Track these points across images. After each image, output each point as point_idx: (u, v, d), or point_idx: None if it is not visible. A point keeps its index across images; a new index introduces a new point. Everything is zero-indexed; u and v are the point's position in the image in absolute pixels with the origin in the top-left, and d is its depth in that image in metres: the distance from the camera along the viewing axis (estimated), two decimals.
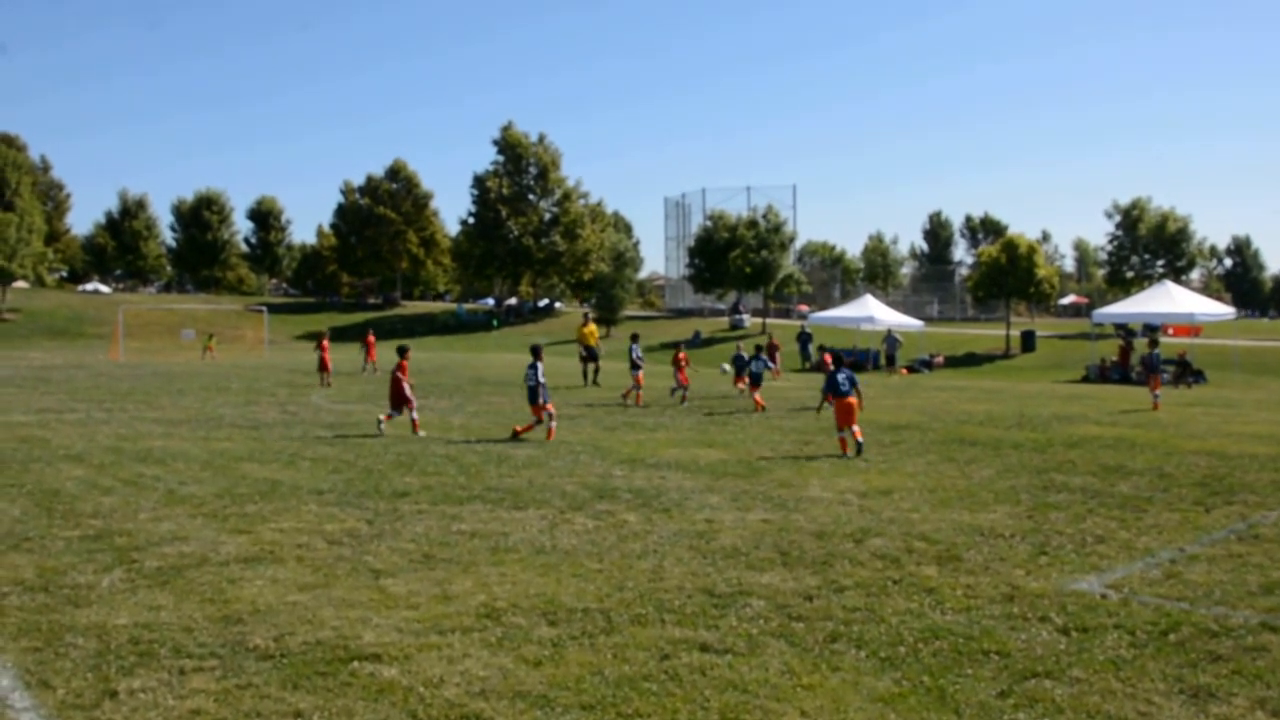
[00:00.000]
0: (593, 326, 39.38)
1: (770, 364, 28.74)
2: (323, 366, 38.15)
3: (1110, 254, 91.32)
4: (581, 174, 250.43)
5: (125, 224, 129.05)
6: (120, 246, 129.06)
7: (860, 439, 18.49)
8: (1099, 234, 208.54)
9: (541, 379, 20.82)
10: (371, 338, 48.13)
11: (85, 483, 15.02)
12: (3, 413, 26.08)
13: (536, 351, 21.51)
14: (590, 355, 37.52)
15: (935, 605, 8.56)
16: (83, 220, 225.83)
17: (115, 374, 45.03)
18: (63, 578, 9.49)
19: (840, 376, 19.38)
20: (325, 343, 40.32)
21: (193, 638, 7.73)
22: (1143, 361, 29.35)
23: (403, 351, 23.37)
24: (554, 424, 20.84)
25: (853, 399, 19.04)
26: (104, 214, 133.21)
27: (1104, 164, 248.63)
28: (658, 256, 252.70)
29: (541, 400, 20.71)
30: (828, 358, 22.72)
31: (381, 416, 22.08)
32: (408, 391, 22.02)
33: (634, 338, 32.96)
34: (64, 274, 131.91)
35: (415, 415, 22.04)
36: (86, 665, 7.16)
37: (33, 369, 49.41)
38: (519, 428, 20.87)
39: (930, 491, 14.17)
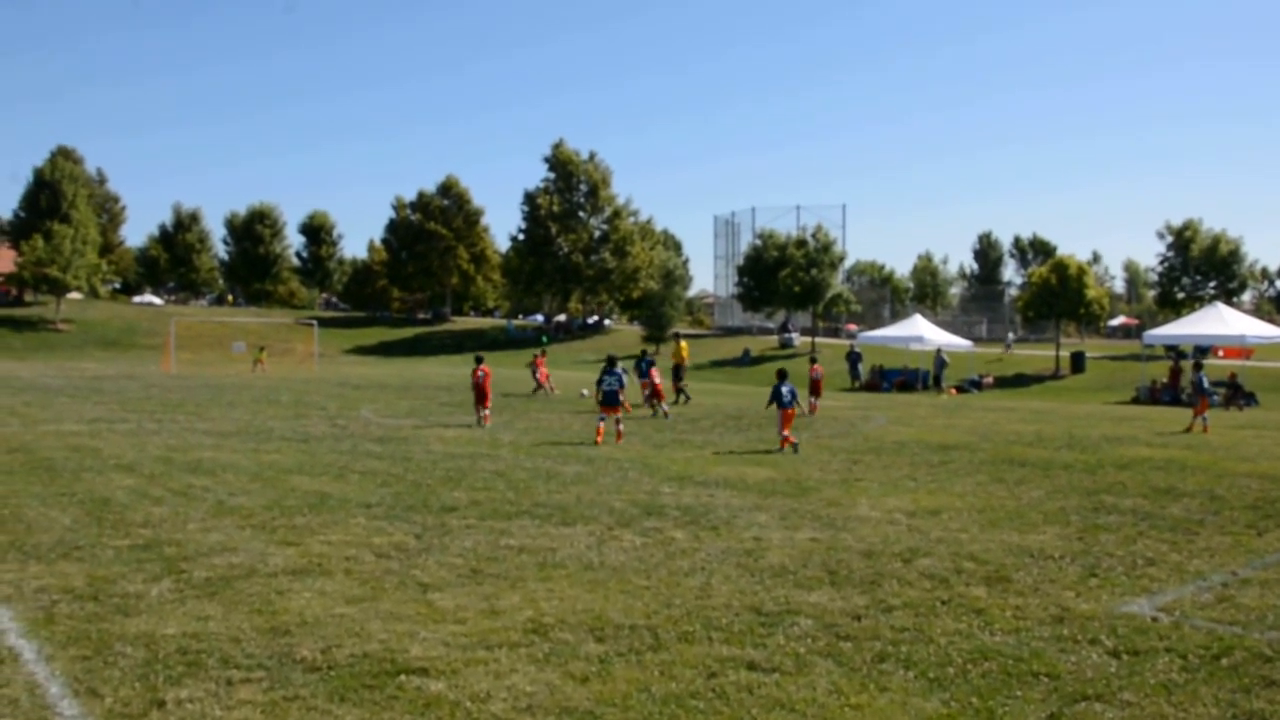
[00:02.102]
0: (684, 344, 39.23)
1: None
2: (539, 385, 40.49)
3: (1161, 275, 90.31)
4: (631, 191, 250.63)
5: (179, 237, 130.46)
6: (173, 259, 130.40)
7: (788, 446, 21.39)
8: (1149, 255, 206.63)
9: (615, 385, 23.68)
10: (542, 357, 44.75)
11: (135, 492, 15.15)
12: (55, 422, 26.36)
13: (612, 360, 24.82)
14: (676, 374, 37.35)
15: (984, 626, 8.48)
16: (137, 232, 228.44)
17: (166, 385, 45.40)
18: (112, 587, 9.55)
19: (784, 390, 22.40)
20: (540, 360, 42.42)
21: (240, 648, 7.75)
22: (1192, 384, 29.16)
23: (479, 359, 28.49)
24: (620, 427, 23.40)
25: (792, 410, 22.30)
26: (158, 226, 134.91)
27: (1155, 185, 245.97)
28: (707, 274, 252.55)
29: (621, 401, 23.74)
30: (779, 375, 24.29)
31: (481, 418, 26.92)
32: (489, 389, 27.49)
33: (644, 354, 35.41)
34: (117, 285, 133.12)
35: (488, 411, 27.23)
36: (134, 674, 7.19)
37: (85, 379, 49.90)
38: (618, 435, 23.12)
39: (979, 512, 14.04)
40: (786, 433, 21.90)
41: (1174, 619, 8.73)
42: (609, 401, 23.57)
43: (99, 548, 11.23)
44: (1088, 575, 10.28)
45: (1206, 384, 29.47)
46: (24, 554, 10.93)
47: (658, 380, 31.82)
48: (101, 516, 13.15)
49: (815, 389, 33.49)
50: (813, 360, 35.92)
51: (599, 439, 22.67)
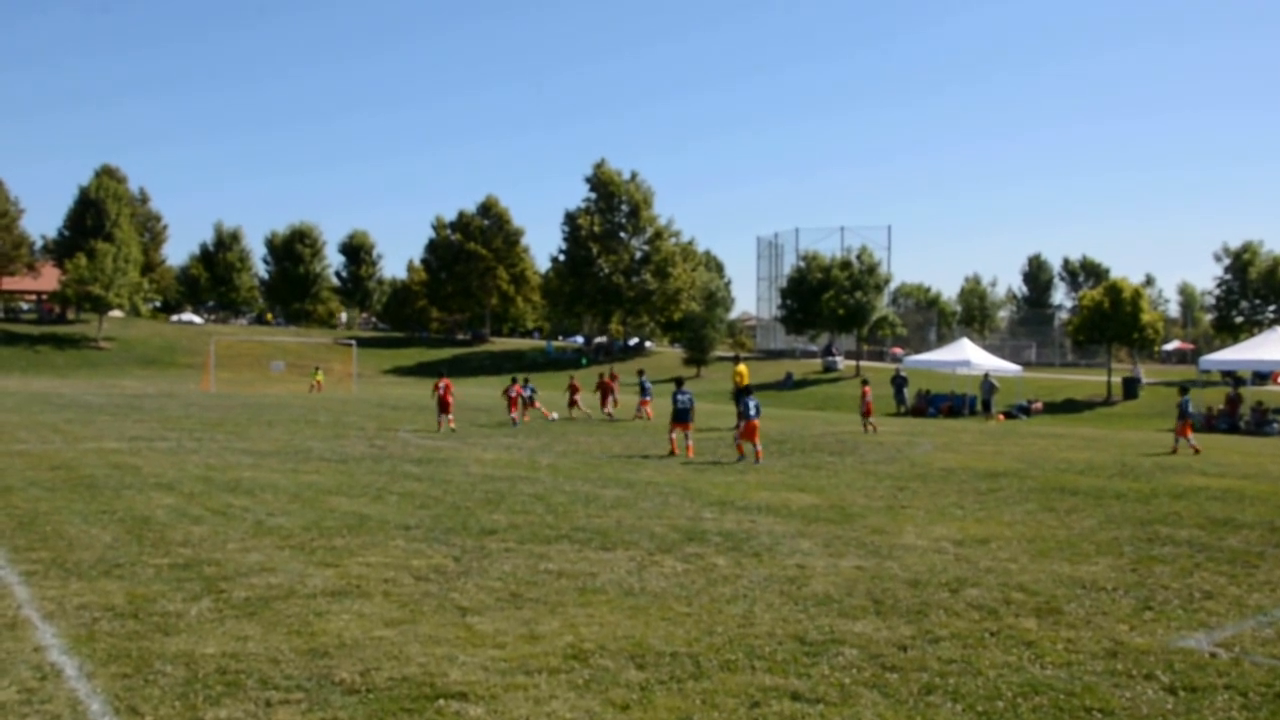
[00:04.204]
0: (743, 367, 39.13)
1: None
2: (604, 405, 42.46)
3: (1218, 299, 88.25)
4: (673, 211, 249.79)
5: (219, 255, 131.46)
6: (213, 278, 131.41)
7: (760, 458, 23.75)
8: (1205, 278, 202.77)
9: (688, 403, 25.93)
10: (615, 378, 46.33)
11: (175, 511, 15.23)
12: (96, 439, 26.54)
13: (680, 381, 27.86)
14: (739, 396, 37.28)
15: (1035, 659, 8.30)
16: (178, 251, 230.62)
17: (206, 404, 45.77)
18: (152, 605, 9.57)
19: (751, 403, 24.23)
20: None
21: (279, 669, 7.74)
22: (1178, 407, 29.92)
23: (441, 373, 34.38)
24: (690, 443, 25.73)
25: (756, 422, 24.18)
26: (199, 245, 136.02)
27: (1211, 206, 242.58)
28: (749, 296, 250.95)
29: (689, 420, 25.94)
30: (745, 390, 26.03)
31: (448, 423, 32.97)
32: (450, 401, 33.51)
33: (640, 373, 42.74)
34: (158, 304, 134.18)
35: (450, 417, 33.36)
36: (174, 693, 7.18)
37: (126, 397, 50.37)
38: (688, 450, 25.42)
39: (1029, 541, 13.81)
40: (750, 443, 24.09)
41: (1233, 655, 8.52)
42: (681, 418, 25.71)
43: (139, 566, 11.27)
44: (1142, 608, 10.06)
45: (1190, 408, 30.30)
46: (66, 571, 11.00)
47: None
48: (142, 535, 13.22)
49: (869, 409, 37.12)
50: (864, 382, 39.28)
51: (674, 451, 25.27)
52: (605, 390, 42.74)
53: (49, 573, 10.92)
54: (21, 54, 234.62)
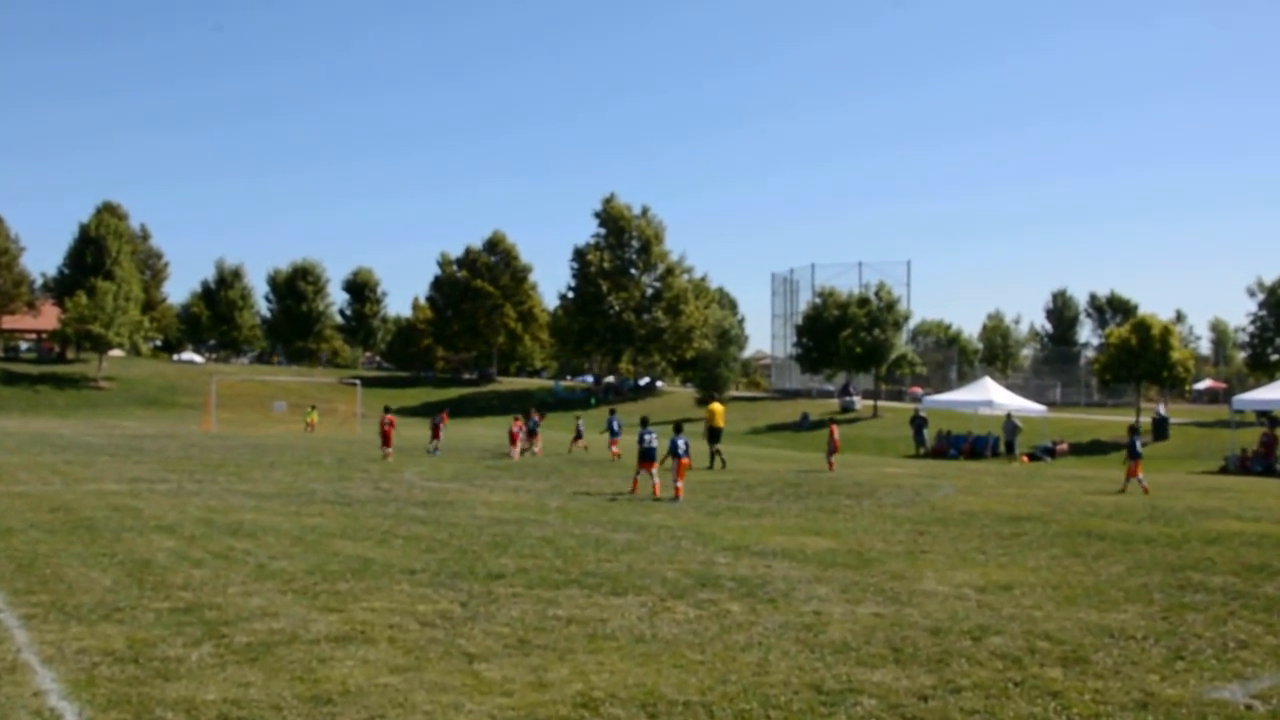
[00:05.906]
0: (717, 406, 38.76)
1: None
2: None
3: (1252, 335, 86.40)
4: (685, 248, 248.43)
5: (221, 293, 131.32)
6: (215, 316, 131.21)
7: (681, 496, 24.49)
8: (1238, 314, 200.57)
9: (654, 442, 26.30)
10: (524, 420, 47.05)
11: (176, 554, 15.12)
12: (96, 481, 26.52)
13: (645, 421, 28.26)
14: (713, 436, 37.00)
15: (1061, 710, 8.09)
16: (179, 289, 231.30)
17: (207, 445, 45.80)
18: (153, 650, 9.48)
19: (680, 442, 25.71)
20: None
21: (281, 717, 7.66)
22: (1126, 447, 29.98)
23: (387, 409, 41.27)
24: (656, 480, 25.72)
25: (686, 460, 25.72)
26: (200, 283, 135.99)
27: (1241, 241, 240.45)
28: (764, 334, 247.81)
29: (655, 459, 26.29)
30: (676, 428, 27.21)
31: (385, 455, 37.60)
32: (392, 435, 38.96)
33: (612, 411, 45.51)
34: (158, 343, 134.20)
35: (390, 450, 38.33)
36: None
37: (126, 438, 50.45)
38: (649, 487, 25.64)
39: (1054, 588, 13.57)
40: (680, 482, 25.03)
41: (1271, 707, 8.29)
42: (648, 457, 26.12)
43: (140, 610, 11.16)
44: (1174, 658, 9.83)
45: (1139, 446, 29.98)
46: (65, 615, 10.92)
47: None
48: (142, 578, 13.11)
49: (836, 448, 40.03)
50: (833, 423, 43.07)
51: (635, 489, 25.96)
52: (436, 429, 43.80)
53: (48, 616, 10.83)
54: (22, 91, 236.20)
